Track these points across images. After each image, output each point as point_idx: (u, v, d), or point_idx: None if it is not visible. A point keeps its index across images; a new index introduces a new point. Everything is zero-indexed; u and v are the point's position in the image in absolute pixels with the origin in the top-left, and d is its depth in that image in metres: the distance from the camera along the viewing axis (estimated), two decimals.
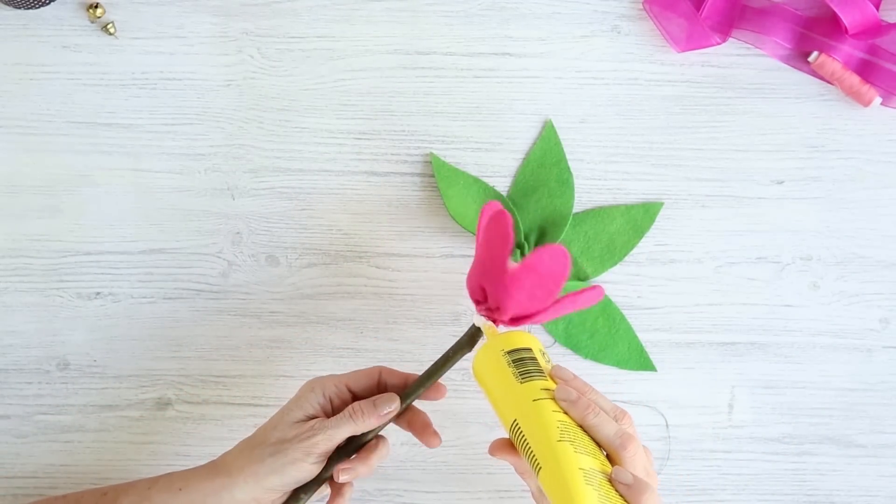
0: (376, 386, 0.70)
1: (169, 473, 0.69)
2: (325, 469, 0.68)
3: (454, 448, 0.81)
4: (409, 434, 0.79)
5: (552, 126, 0.81)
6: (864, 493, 0.81)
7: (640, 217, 0.80)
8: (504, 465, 0.80)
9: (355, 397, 0.70)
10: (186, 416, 0.80)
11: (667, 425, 0.80)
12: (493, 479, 0.80)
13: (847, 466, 0.81)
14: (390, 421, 0.69)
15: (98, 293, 0.80)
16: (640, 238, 0.80)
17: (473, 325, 0.70)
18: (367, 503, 0.80)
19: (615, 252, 0.80)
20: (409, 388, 0.69)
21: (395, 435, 0.80)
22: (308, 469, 0.66)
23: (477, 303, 0.68)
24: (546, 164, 0.80)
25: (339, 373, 0.70)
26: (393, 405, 0.68)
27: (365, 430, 0.67)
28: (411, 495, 0.80)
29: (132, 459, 0.80)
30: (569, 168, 0.80)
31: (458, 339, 0.70)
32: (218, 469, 0.67)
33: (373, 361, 0.80)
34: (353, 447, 0.69)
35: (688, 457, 0.81)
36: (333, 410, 0.69)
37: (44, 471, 0.80)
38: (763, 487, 0.81)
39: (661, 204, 0.81)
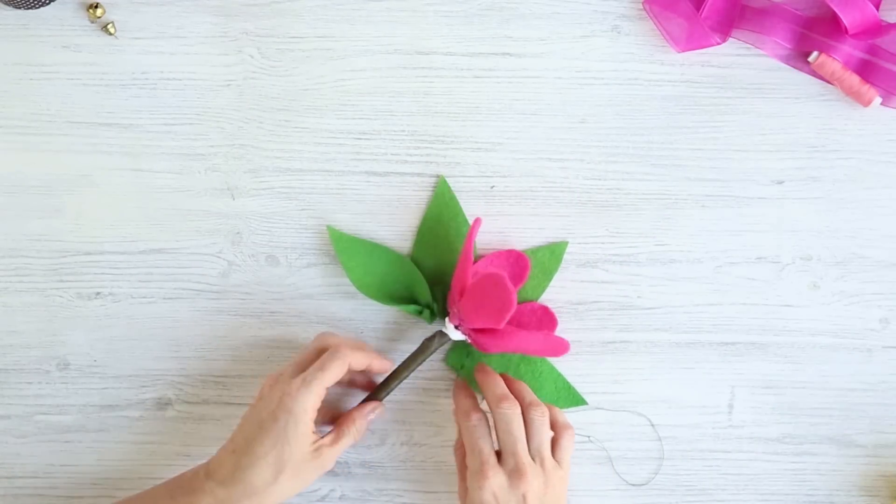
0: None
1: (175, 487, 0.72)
2: None
3: None
4: (409, 434, 0.80)
5: (445, 182, 0.80)
6: (864, 493, 0.81)
7: (546, 259, 0.80)
8: None
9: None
10: (186, 416, 0.80)
11: (652, 424, 0.80)
12: None
13: (847, 466, 0.81)
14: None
15: (98, 293, 0.80)
16: (550, 280, 0.80)
17: (440, 331, 0.76)
18: (367, 503, 0.80)
19: (525, 297, 0.80)
20: (381, 388, 0.77)
21: (396, 434, 0.80)
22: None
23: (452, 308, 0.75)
24: (443, 219, 0.80)
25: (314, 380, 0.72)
26: (377, 411, 0.76)
27: None
28: (411, 495, 0.81)
29: (132, 459, 0.80)
30: (466, 221, 0.80)
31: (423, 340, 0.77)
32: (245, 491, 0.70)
33: None
34: None
35: (687, 457, 0.81)
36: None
37: (44, 471, 0.80)
38: (763, 487, 0.81)
39: (566, 244, 0.80)
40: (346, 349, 0.73)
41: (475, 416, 0.73)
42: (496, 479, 0.70)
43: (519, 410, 0.72)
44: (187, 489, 0.70)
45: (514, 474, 0.70)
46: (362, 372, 0.77)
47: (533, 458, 0.71)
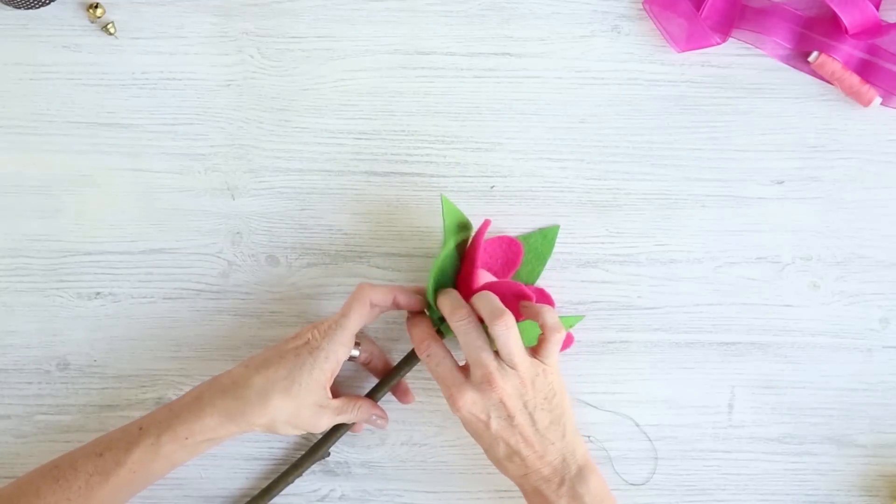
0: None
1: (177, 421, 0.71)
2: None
3: (454, 448, 0.81)
4: (409, 434, 0.80)
5: (447, 200, 0.75)
6: (864, 493, 0.81)
7: (539, 244, 0.80)
8: None
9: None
10: None
11: (637, 425, 0.80)
12: (493, 479, 0.80)
13: (847, 466, 0.81)
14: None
15: (98, 293, 0.80)
16: (544, 264, 0.80)
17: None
18: (367, 503, 0.80)
19: (521, 282, 0.78)
20: (381, 385, 0.77)
21: (396, 435, 0.80)
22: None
23: None
24: (462, 234, 0.76)
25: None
26: (381, 420, 0.78)
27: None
28: (411, 495, 0.80)
29: None
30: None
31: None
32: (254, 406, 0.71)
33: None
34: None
35: (687, 457, 0.81)
36: None
37: None
38: (763, 487, 0.81)
39: (558, 227, 0.80)
40: (368, 288, 0.72)
41: (426, 343, 0.71)
42: (467, 398, 0.68)
43: (475, 318, 0.69)
44: (178, 414, 0.71)
45: (483, 385, 0.68)
46: (376, 354, 0.78)
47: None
